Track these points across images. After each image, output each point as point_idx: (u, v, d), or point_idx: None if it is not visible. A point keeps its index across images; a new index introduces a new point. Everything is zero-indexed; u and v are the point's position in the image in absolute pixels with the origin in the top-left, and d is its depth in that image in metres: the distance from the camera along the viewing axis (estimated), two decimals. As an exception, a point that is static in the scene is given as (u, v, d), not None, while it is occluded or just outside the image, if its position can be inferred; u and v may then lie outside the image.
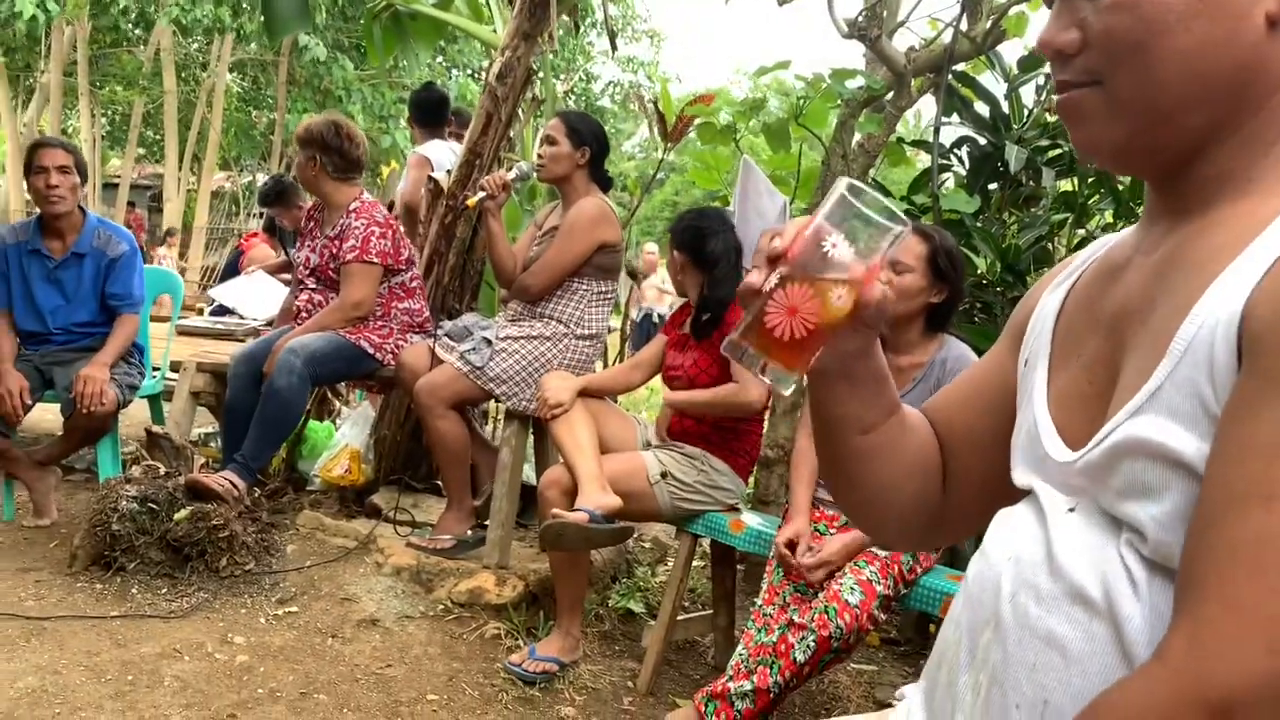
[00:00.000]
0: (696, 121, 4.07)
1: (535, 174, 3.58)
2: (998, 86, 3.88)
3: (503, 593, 3.28)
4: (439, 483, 3.97)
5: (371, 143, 17.55)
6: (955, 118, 3.88)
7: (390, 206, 4.63)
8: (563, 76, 20.54)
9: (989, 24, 3.65)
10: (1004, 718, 0.83)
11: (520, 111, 4.21)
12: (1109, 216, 3.70)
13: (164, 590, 3.14)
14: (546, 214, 3.73)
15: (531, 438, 3.69)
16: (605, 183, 3.58)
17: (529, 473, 3.81)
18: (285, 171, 12.28)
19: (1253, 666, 0.63)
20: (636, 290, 9.71)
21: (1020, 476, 0.94)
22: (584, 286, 3.50)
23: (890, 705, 1.14)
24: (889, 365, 2.79)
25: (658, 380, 3.42)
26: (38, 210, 3.93)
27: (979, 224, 3.55)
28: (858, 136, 3.99)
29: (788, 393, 0.90)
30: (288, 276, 5.47)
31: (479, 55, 17.12)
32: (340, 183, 3.81)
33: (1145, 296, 0.83)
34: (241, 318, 5.90)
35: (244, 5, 13.65)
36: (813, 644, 2.47)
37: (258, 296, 6.08)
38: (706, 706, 2.55)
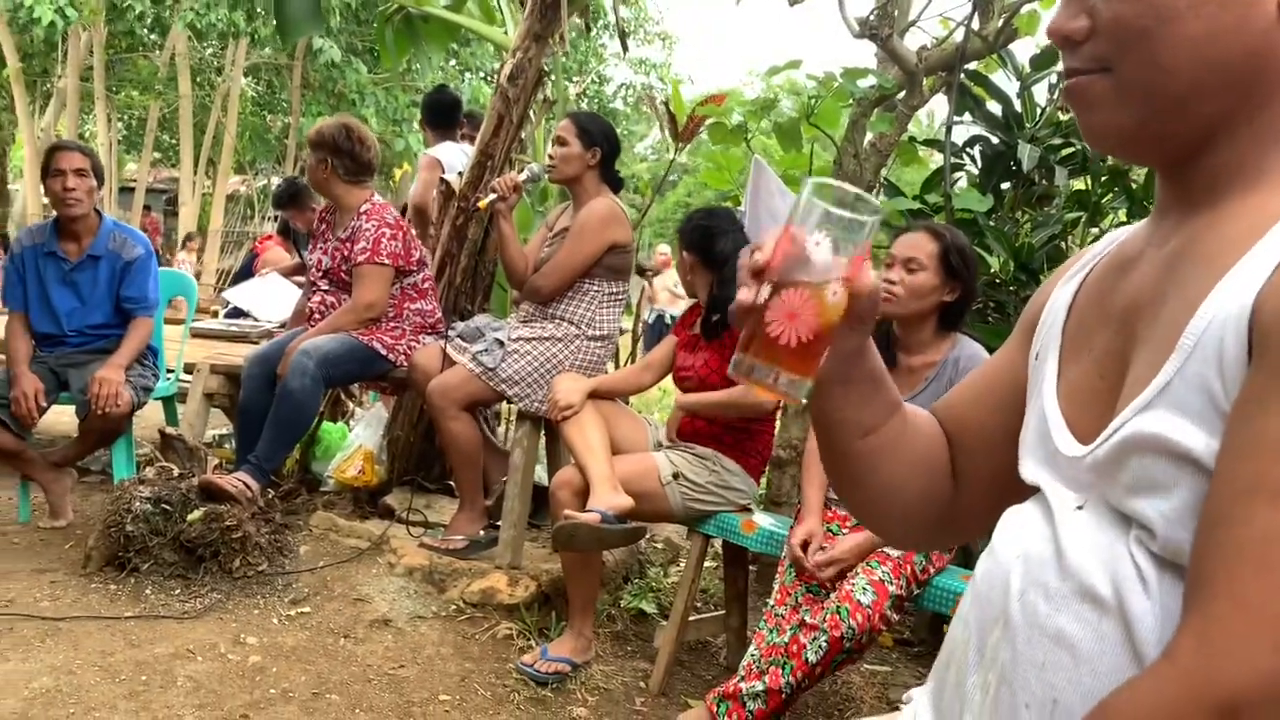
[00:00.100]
0: (708, 122, 4.07)
1: (546, 175, 3.59)
2: (1010, 85, 3.87)
3: (515, 593, 3.29)
4: (451, 483, 3.98)
5: (385, 146, 17.62)
6: (968, 116, 3.86)
7: (404, 210, 4.64)
8: (575, 79, 20.57)
9: (1001, 22, 3.64)
10: (1013, 717, 0.82)
11: (532, 113, 4.21)
12: (1122, 215, 3.68)
13: (177, 591, 3.16)
14: (557, 215, 3.73)
15: (544, 438, 3.69)
16: (616, 183, 3.58)
17: (541, 473, 3.81)
18: (299, 174, 12.32)
19: (1261, 665, 0.62)
20: (649, 289, 9.72)
21: (1028, 471, 0.94)
22: (595, 287, 3.50)
23: (899, 708, 1.13)
24: (902, 365, 2.78)
25: (670, 381, 3.42)
26: (54, 213, 3.96)
27: (992, 223, 3.53)
28: (870, 136, 3.98)
29: (804, 399, 0.89)
30: (301, 279, 5.49)
31: (492, 58, 17.17)
32: (351, 185, 3.82)
33: (1156, 290, 0.83)
34: (256, 320, 5.93)
35: (258, 9, 13.70)
36: (824, 644, 2.46)
37: (272, 299, 6.11)
38: (718, 707, 2.55)
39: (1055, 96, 3.79)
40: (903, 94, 3.83)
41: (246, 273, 7.29)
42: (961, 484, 1.08)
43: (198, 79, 19.28)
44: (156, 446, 4.04)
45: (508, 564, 3.39)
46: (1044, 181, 3.71)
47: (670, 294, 10.39)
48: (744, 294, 0.88)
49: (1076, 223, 3.67)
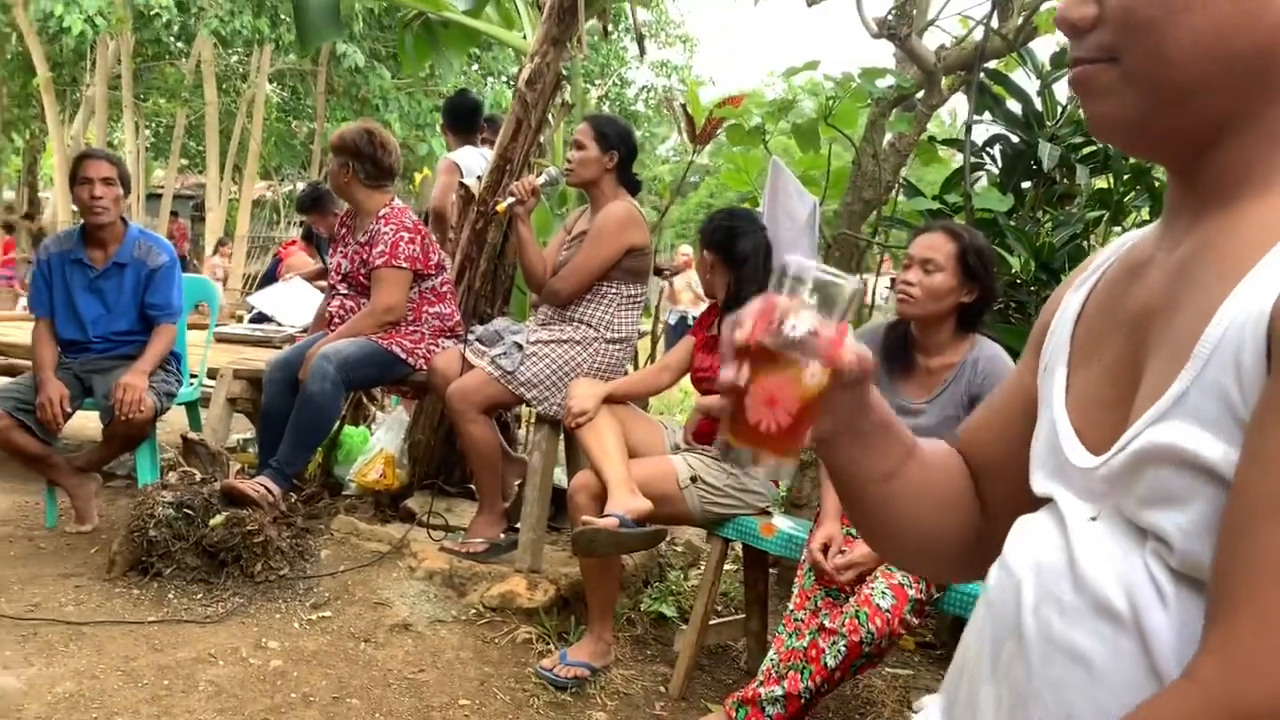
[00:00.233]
0: (725, 124, 4.06)
1: (564, 179, 3.59)
2: (1030, 84, 3.83)
3: (534, 597, 3.29)
4: (472, 487, 3.99)
5: (409, 150, 17.72)
6: (988, 116, 3.83)
7: (425, 215, 4.66)
8: (597, 82, 20.60)
9: (1020, 21, 3.61)
10: None
11: (550, 116, 4.22)
12: (1145, 214, 3.64)
13: (200, 595, 3.18)
14: (575, 218, 3.73)
15: (563, 441, 3.69)
16: (634, 186, 3.58)
17: (561, 476, 3.81)
18: (323, 180, 12.41)
19: None
20: (670, 289, 9.71)
21: (1039, 484, 0.91)
22: (613, 290, 3.50)
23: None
24: (920, 367, 2.76)
25: (691, 383, 3.41)
26: (81, 220, 4.00)
27: (1012, 222, 3.50)
28: (889, 136, 3.96)
29: (788, 480, 0.88)
30: (324, 283, 5.52)
31: (513, 62, 17.20)
32: (372, 190, 3.84)
33: (1168, 296, 0.80)
34: (279, 324, 5.96)
35: (282, 16, 13.83)
36: (843, 649, 2.45)
37: (295, 303, 6.14)
38: (737, 712, 2.54)
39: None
40: (921, 93, 3.81)
41: (270, 278, 7.34)
42: (990, 511, 1.05)
43: (223, 86, 19.46)
44: (179, 452, 4.07)
45: (527, 567, 3.39)
46: (1065, 180, 3.67)
47: (694, 294, 10.37)
48: (726, 373, 0.86)
49: (1098, 222, 3.63)
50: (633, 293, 3.54)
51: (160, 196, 20.13)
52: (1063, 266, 3.46)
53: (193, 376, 4.48)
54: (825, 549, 2.66)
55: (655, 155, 25.61)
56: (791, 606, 2.70)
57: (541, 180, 3.52)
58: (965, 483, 1.06)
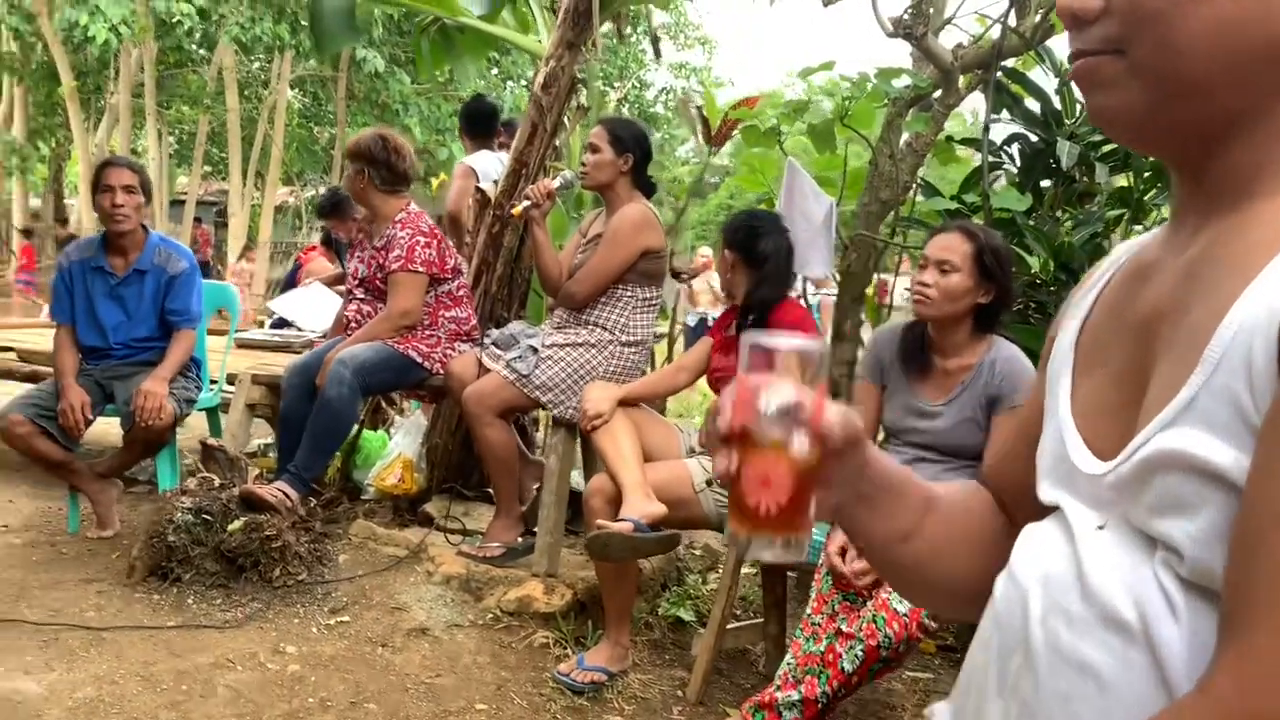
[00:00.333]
0: (741, 125, 4.04)
1: (579, 182, 3.59)
2: (1048, 82, 3.79)
3: (551, 601, 3.28)
4: (490, 491, 3.99)
5: (429, 155, 17.81)
6: (1006, 115, 3.80)
7: (441, 221, 4.67)
8: (616, 84, 20.61)
9: (1038, 18, 3.58)
10: None
11: (566, 120, 4.22)
12: (1165, 212, 3.59)
13: (219, 601, 3.19)
14: (591, 221, 3.73)
15: (579, 445, 3.68)
16: (649, 189, 3.57)
17: (578, 479, 3.81)
18: (343, 185, 12.48)
19: None
20: (689, 291, 9.69)
21: (1046, 492, 0.89)
22: (628, 293, 3.50)
23: None
24: (937, 369, 2.73)
25: (708, 385, 3.40)
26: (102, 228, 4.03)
27: (1031, 222, 3.47)
28: (906, 136, 3.93)
29: (804, 556, 0.86)
30: (344, 288, 5.55)
31: (532, 66, 17.23)
32: (388, 195, 3.86)
33: (1176, 298, 0.78)
34: (300, 330, 5.99)
35: (302, 22, 13.92)
36: (860, 653, 2.43)
37: (315, 308, 6.17)
38: (754, 716, 2.53)
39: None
40: (938, 93, 3.78)
41: (290, 283, 7.38)
42: None
43: (245, 93, 19.62)
44: (198, 457, 4.10)
45: (544, 571, 3.39)
46: (1085, 179, 3.63)
47: (712, 296, 10.36)
48: (718, 463, 0.84)
49: (1119, 221, 3.59)
50: (648, 295, 3.53)
51: (184, 203, 20.31)
52: (1082, 266, 3.42)
53: (213, 382, 4.51)
54: (843, 553, 2.64)
55: (675, 157, 25.60)
56: (809, 611, 2.68)
57: (556, 183, 3.52)
58: (995, 521, 1.03)
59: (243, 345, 5.47)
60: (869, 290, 4.18)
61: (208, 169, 23.29)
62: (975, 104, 4.61)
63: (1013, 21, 3.58)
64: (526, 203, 3.47)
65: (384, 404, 5.06)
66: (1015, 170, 3.85)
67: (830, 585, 2.67)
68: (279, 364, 4.61)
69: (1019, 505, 1.01)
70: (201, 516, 3.27)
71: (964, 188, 3.89)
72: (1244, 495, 0.65)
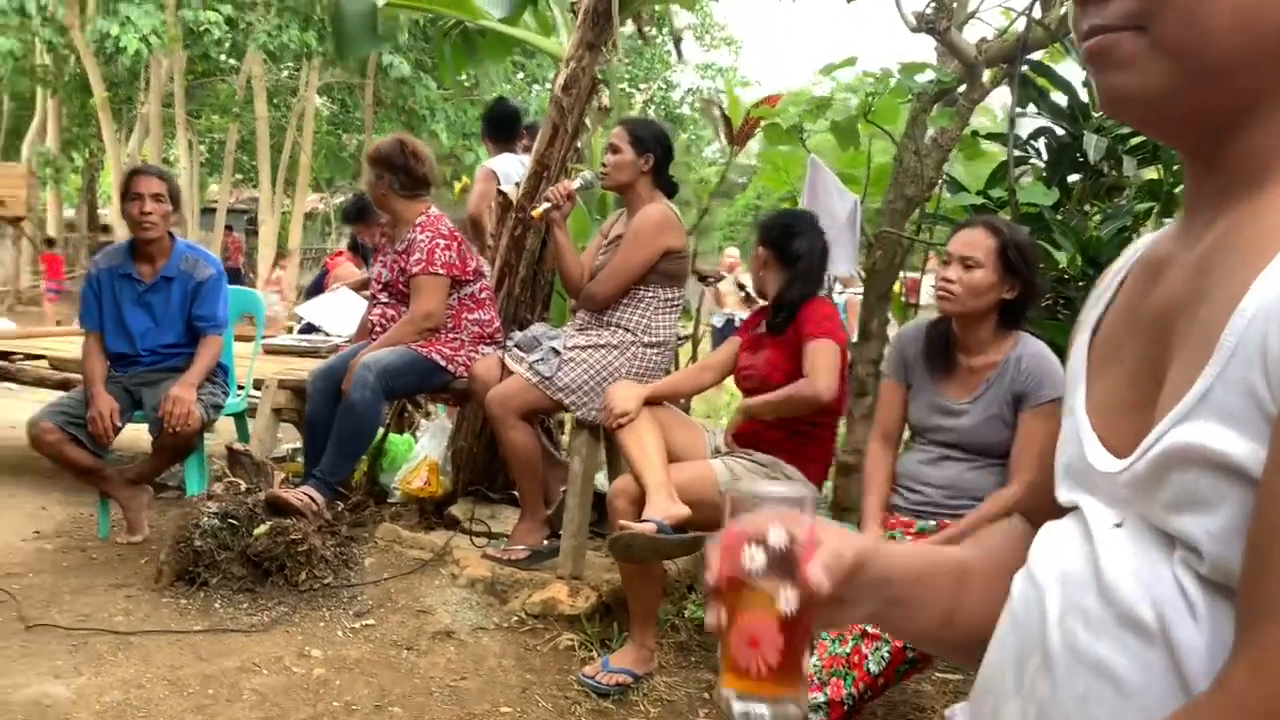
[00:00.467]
0: (763, 123, 4.02)
1: (599, 182, 3.58)
2: (1075, 74, 3.74)
3: (576, 603, 3.27)
4: (516, 493, 3.99)
5: (456, 159, 17.88)
6: (1032, 108, 3.75)
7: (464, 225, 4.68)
8: (642, 86, 20.62)
9: (1063, 10, 3.53)
10: None
11: (588, 121, 4.21)
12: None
13: (245, 605, 3.21)
14: (612, 222, 3.72)
15: (604, 446, 3.68)
16: (670, 189, 3.56)
17: (602, 481, 3.80)
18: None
19: None
20: (715, 293, 9.66)
21: (1064, 493, 0.87)
22: (650, 294, 3.48)
23: None
24: (962, 366, 2.69)
25: (738, 388, 3.37)
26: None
27: (1059, 217, 3.42)
28: (931, 131, 3.90)
29: (800, 712, 0.83)
30: (368, 292, 5.57)
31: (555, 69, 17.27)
32: (409, 200, 3.87)
33: (1190, 291, 0.76)
34: (327, 334, 6.02)
35: (328, 29, 14.02)
36: (886, 655, 2.40)
37: (342, 313, 6.20)
38: (779, 718, 2.50)
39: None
40: (963, 88, 3.74)
41: (318, 288, 7.42)
42: None
43: (274, 100, 19.79)
44: (225, 463, 4.12)
45: (569, 574, 3.38)
46: (1113, 172, 3.58)
47: (738, 297, 10.32)
48: (708, 616, 0.82)
49: (1148, 214, 3.53)
50: (670, 296, 3.52)
51: (214, 211, 20.52)
52: (1110, 261, 3.37)
53: (240, 388, 4.54)
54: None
55: (701, 158, 25.58)
56: (835, 612, 2.65)
57: (577, 184, 3.51)
58: None
59: (270, 351, 5.50)
60: (896, 288, 4.15)
61: (238, 177, 23.51)
62: (1005, 99, 4.56)
63: (1037, 14, 3.53)
64: (547, 204, 3.46)
65: (409, 407, 5.08)
66: (1042, 165, 3.80)
67: (856, 586, 2.64)
68: (305, 369, 4.63)
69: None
70: (228, 521, 3.29)
71: (990, 183, 3.84)
72: (1260, 487, 0.63)
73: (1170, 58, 0.73)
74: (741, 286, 10.22)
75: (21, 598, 3.21)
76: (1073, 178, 3.73)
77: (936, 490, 2.66)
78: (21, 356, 5.05)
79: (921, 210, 3.90)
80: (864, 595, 0.88)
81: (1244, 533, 0.64)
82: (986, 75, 3.76)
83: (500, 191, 4.32)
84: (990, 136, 4.15)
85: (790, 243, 3.09)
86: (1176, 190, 3.53)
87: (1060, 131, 3.71)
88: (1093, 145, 3.36)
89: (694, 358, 4.54)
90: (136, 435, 4.71)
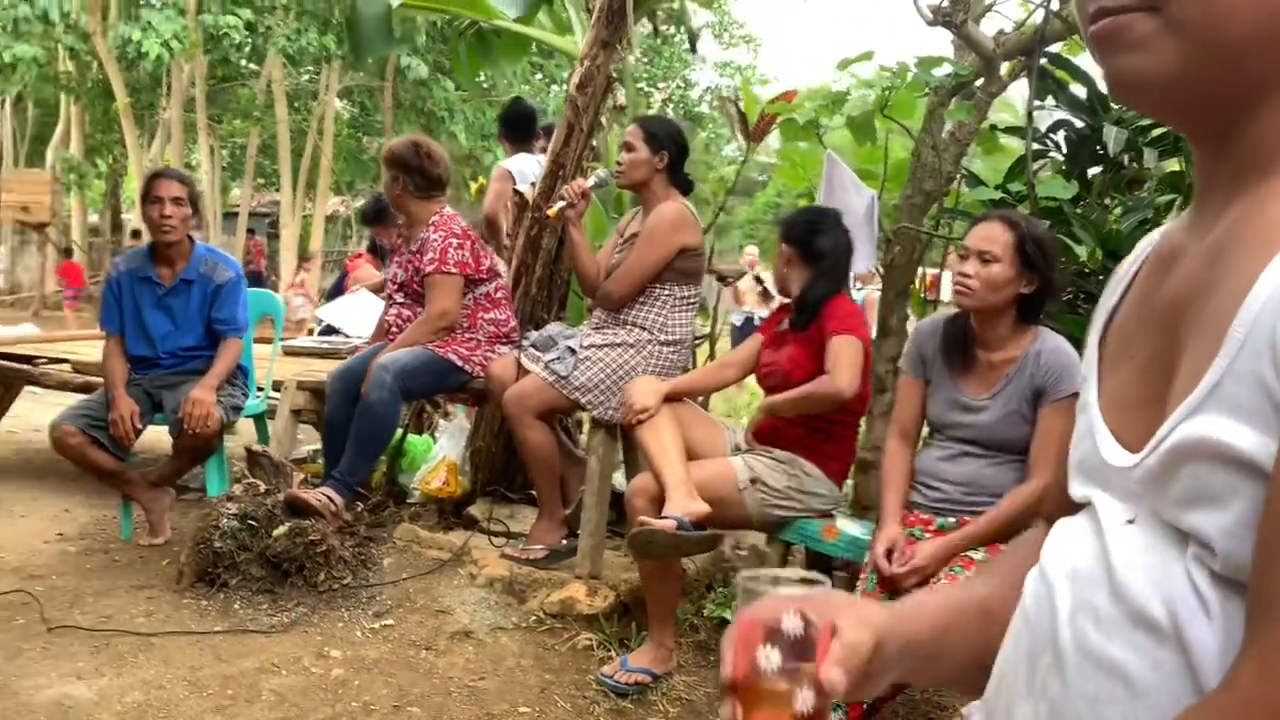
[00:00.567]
0: (779, 119, 4.00)
1: (614, 180, 3.57)
2: (1094, 67, 3.69)
3: (594, 603, 3.27)
4: (534, 493, 3.99)
5: (475, 161, 17.93)
6: (1050, 101, 3.71)
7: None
8: (660, 85, 20.60)
9: (1082, 1, 3.49)
10: None
11: (604, 119, 4.20)
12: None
13: (265, 605, 3.22)
14: (628, 221, 3.71)
15: (621, 445, 3.67)
16: (686, 186, 3.55)
17: (621, 480, 3.79)
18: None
19: None
20: (735, 291, 9.63)
21: (1077, 488, 0.85)
22: (666, 292, 3.47)
23: None
24: (981, 361, 2.66)
25: (758, 387, 3.36)
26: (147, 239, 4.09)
27: (1079, 210, 3.38)
28: (948, 125, 3.86)
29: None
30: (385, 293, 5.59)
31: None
32: (423, 201, 3.88)
33: (1200, 283, 0.74)
34: (346, 336, 6.05)
35: (345, 32, 14.10)
36: (906, 653, 2.37)
37: (361, 315, 6.23)
38: (797, 717, 2.48)
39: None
40: (981, 81, 3.70)
41: (338, 291, 7.46)
42: None
43: (294, 104, 19.91)
44: (244, 464, 4.14)
45: (587, 573, 3.37)
46: (1134, 165, 3.53)
47: (757, 295, 10.29)
48: (723, 712, 0.81)
49: (1169, 206, 3.48)
50: (686, 294, 3.50)
51: (236, 215, 20.66)
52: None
53: (259, 390, 4.56)
54: (888, 553, 2.59)
55: (721, 156, 25.55)
56: (853, 610, 2.63)
57: (591, 183, 3.50)
58: None
59: (290, 353, 5.53)
60: (924, 283, 4.13)
61: (259, 181, 23.66)
62: (1024, 92, 4.52)
63: (1056, 5, 3.49)
64: (561, 203, 3.46)
65: (428, 408, 5.09)
66: (1061, 158, 3.76)
67: (875, 585, 2.62)
68: (325, 370, 4.65)
69: None
70: (247, 522, 3.30)
71: (1009, 177, 3.80)
72: (1271, 480, 0.61)
73: (1185, 39, 0.70)
74: (760, 281, 10.19)
75: (44, 600, 3.23)
76: (1092, 171, 3.69)
77: (955, 487, 2.63)
78: (45, 361, 5.09)
79: (940, 205, 3.87)
80: (888, 667, 0.87)
81: (1256, 528, 0.63)
82: (1004, 68, 3.73)
83: (516, 191, 4.32)
84: (1009, 130, 4.11)
85: (814, 240, 3.08)
86: (1198, 182, 3.48)
87: (1079, 124, 3.67)
88: (1112, 137, 3.32)
89: (711, 356, 4.52)
90: (158, 437, 4.74)
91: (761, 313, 10.11)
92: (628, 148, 3.45)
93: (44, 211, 17.19)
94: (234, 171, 23.72)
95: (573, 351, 3.46)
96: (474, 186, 6.53)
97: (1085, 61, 3.74)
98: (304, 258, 17.86)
